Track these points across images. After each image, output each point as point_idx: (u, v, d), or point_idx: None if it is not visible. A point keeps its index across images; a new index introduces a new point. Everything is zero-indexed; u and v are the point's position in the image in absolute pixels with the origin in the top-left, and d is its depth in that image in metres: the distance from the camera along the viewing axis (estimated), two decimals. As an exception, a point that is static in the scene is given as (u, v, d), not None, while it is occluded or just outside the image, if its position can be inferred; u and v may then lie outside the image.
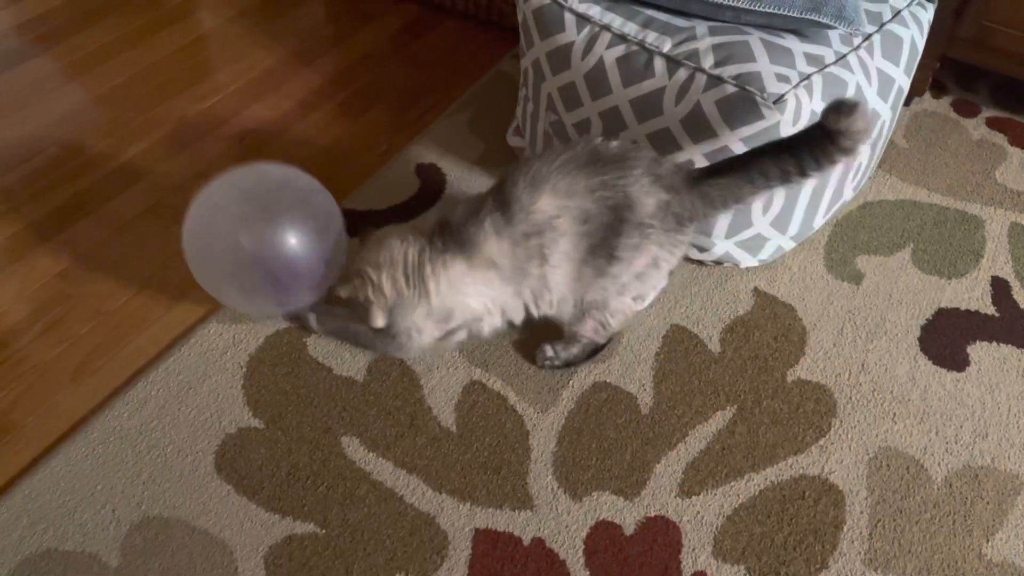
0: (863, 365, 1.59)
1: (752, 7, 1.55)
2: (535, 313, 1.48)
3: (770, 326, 1.65)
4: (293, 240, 1.40)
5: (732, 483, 1.40)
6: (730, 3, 1.56)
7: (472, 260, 1.41)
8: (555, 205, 1.36)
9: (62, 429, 1.45)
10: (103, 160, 1.97)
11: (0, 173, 1.91)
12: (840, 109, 1.28)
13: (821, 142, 1.32)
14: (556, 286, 1.42)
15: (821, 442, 1.46)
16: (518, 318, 1.49)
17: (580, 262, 1.39)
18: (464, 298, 1.44)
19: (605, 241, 1.37)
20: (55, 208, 1.84)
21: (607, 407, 1.52)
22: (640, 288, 1.48)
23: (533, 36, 1.75)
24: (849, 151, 1.32)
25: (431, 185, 1.96)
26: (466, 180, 1.97)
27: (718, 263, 1.76)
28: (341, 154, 2.04)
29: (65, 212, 1.83)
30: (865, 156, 1.73)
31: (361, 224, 1.83)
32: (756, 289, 1.72)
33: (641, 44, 1.60)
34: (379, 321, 1.43)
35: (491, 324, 1.49)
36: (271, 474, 1.39)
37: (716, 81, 1.51)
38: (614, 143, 1.41)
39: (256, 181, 1.44)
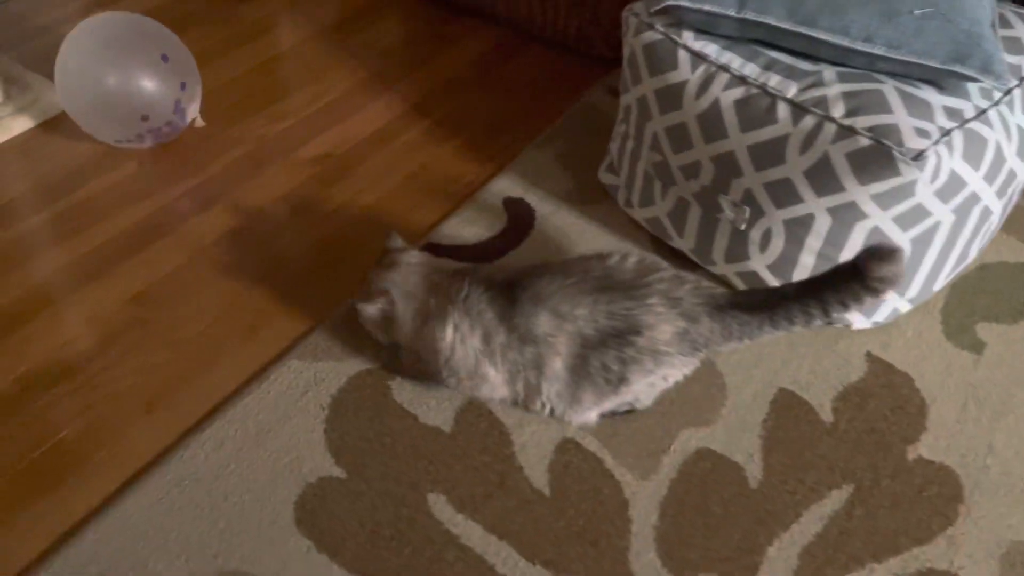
0: (990, 446, 1.46)
1: (889, 54, 1.44)
2: (525, 408, 1.46)
3: (886, 396, 1.53)
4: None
5: (853, 574, 1.28)
6: (865, 48, 1.45)
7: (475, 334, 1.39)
8: (553, 325, 1.33)
9: (135, 467, 1.36)
10: (180, 179, 1.90)
11: (76, 187, 1.85)
12: (880, 256, 1.21)
13: (851, 286, 1.24)
14: (548, 399, 1.40)
15: (948, 532, 1.34)
16: (509, 402, 1.46)
17: (577, 381, 1.37)
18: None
19: (606, 367, 1.34)
20: (131, 226, 1.77)
21: (712, 478, 1.41)
22: (643, 397, 1.46)
23: (641, 72, 1.65)
24: (879, 293, 1.24)
25: (520, 220, 1.87)
26: (555, 216, 1.88)
27: (828, 323, 1.64)
28: (426, 183, 1.95)
29: (141, 231, 1.76)
30: (997, 216, 1.61)
31: (447, 256, 1.74)
32: (869, 353, 1.60)
33: (763, 87, 1.50)
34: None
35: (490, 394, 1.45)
36: (354, 531, 1.30)
37: (848, 132, 1.40)
38: (632, 261, 1.38)
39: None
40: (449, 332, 1.36)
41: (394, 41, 2.43)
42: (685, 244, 1.74)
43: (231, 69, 2.25)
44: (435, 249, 1.79)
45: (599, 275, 1.37)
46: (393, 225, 1.83)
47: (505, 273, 1.42)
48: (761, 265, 1.62)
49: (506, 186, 1.95)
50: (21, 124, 1.98)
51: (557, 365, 1.36)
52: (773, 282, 1.63)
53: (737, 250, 1.64)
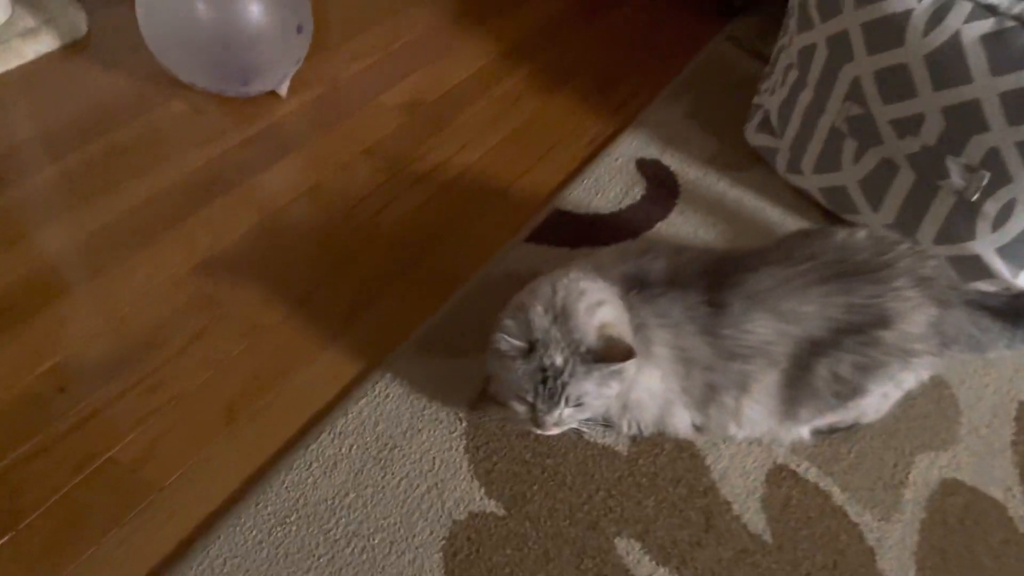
0: None
1: None
2: (704, 434, 1.14)
3: None
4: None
5: None
6: None
7: (657, 343, 1.05)
8: (773, 330, 1.01)
9: (219, 498, 1.01)
10: (241, 123, 1.52)
11: (111, 127, 1.47)
12: None
13: None
14: (747, 422, 1.08)
15: None
16: (672, 430, 1.12)
17: (795, 397, 1.05)
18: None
19: (837, 377, 1.03)
20: (184, 178, 1.39)
21: (970, 518, 1.08)
22: (870, 411, 1.13)
23: (838, 3, 1.32)
24: None
25: (662, 186, 1.52)
26: (702, 184, 1.53)
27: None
28: (538, 139, 1.60)
29: (198, 185, 1.38)
30: None
31: (584, 232, 1.40)
32: (1122, 360, 1.29)
33: (1020, 19, 1.17)
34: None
35: (639, 420, 1.12)
36: (527, 591, 0.95)
37: None
38: (861, 235, 1.07)
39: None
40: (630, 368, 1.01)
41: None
42: (880, 219, 1.41)
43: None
44: (565, 218, 1.44)
45: (831, 258, 1.04)
46: (506, 191, 1.47)
47: (695, 264, 1.08)
48: (988, 248, 1.30)
49: (636, 147, 1.60)
50: (36, 47, 1.58)
51: (770, 381, 1.03)
52: (1001, 270, 1.31)
53: (957, 228, 1.32)
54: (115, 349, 1.14)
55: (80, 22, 1.63)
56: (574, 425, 1.03)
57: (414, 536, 0.99)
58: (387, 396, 1.13)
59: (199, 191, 1.38)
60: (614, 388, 1.00)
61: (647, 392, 1.06)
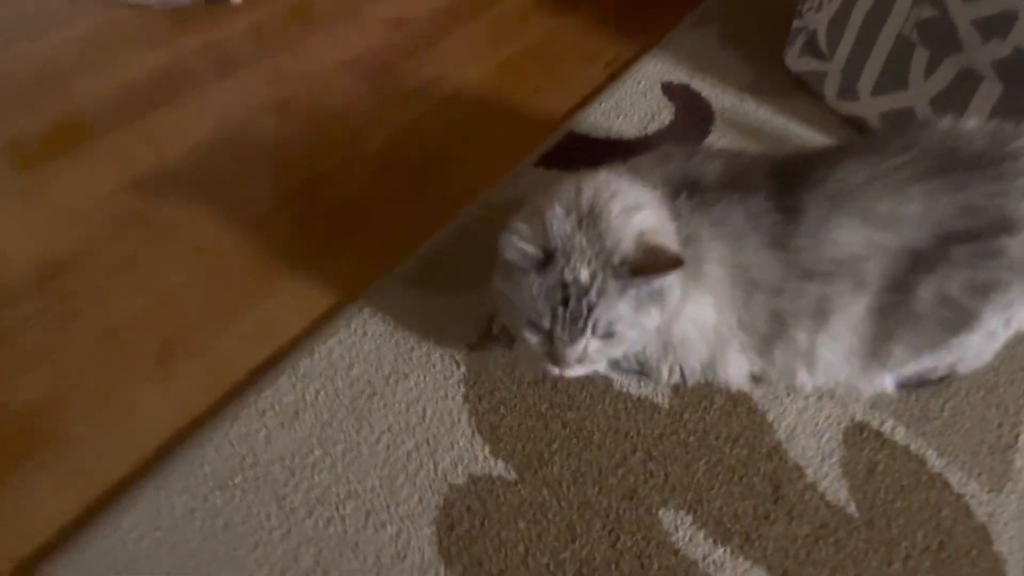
0: None
1: None
2: (764, 385, 0.90)
3: None
4: None
5: None
6: None
7: (710, 260, 0.81)
8: (863, 239, 0.78)
9: (140, 454, 0.76)
10: (194, 30, 1.28)
11: (40, 33, 1.22)
12: None
13: None
14: (822, 366, 0.84)
15: None
16: (723, 379, 0.87)
17: (888, 331, 0.82)
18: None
19: (947, 300, 0.79)
20: (124, 85, 1.15)
21: (1101, 490, 0.85)
22: (972, 354, 0.89)
23: None
24: None
25: (692, 112, 1.29)
26: (739, 112, 1.31)
27: None
28: (548, 59, 1.37)
29: (141, 93, 1.14)
30: None
31: (603, 156, 1.16)
32: None
33: None
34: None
35: (683, 364, 0.87)
36: (548, 570, 0.72)
37: None
38: (971, 123, 0.83)
39: None
40: (675, 294, 0.78)
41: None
42: (956, 144, 1.17)
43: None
44: (581, 142, 1.21)
45: (937, 149, 0.81)
46: (513, 112, 1.24)
47: (759, 164, 0.85)
48: (1092, 172, 1.07)
49: (661, 70, 1.38)
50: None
51: (856, 309, 0.80)
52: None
53: (1054, 149, 1.09)
54: (25, 268, 0.90)
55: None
56: (600, 367, 0.80)
57: (398, 505, 0.76)
58: (365, 334, 0.89)
59: (140, 99, 1.14)
60: (654, 316, 0.76)
61: (695, 326, 0.83)
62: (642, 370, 0.88)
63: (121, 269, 0.93)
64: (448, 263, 0.99)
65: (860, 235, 0.79)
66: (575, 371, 0.78)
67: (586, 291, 0.73)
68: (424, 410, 0.84)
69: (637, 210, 0.77)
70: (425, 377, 0.87)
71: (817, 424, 0.88)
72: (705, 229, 0.81)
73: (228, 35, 1.28)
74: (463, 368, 0.88)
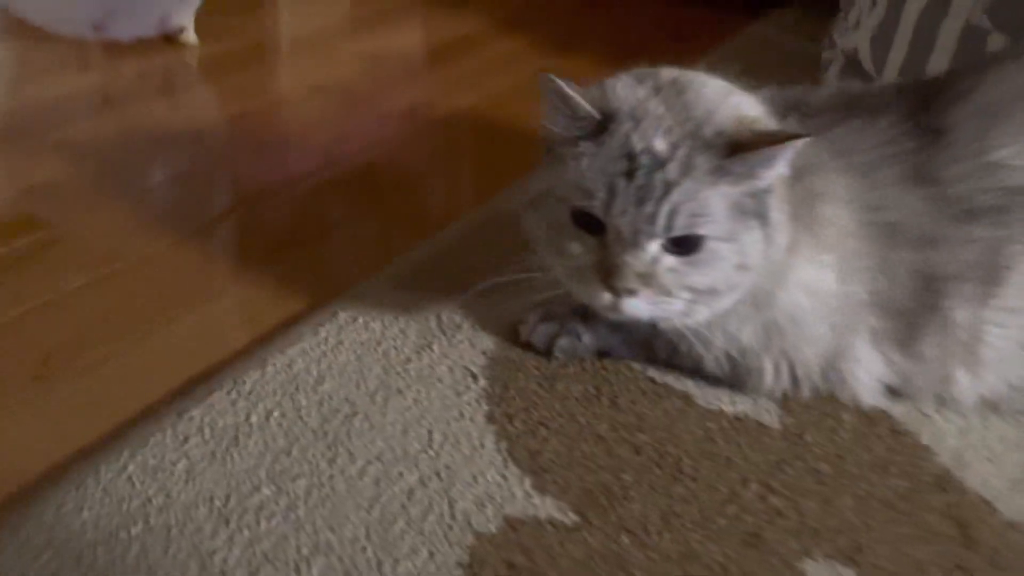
0: None
1: None
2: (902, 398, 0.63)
3: None
4: None
5: None
6: None
7: (831, 201, 0.58)
8: None
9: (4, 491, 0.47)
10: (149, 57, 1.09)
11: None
12: None
13: None
14: (993, 357, 0.60)
15: None
16: (848, 390, 0.62)
17: None
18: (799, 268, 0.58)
19: None
20: (56, 96, 0.94)
21: None
22: None
23: None
24: None
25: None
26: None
27: None
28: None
29: (70, 105, 0.92)
30: None
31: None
32: None
33: None
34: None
35: (794, 358, 0.61)
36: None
37: None
38: None
39: None
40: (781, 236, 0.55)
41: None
42: None
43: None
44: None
45: None
46: (514, 134, 1.04)
47: (885, 88, 0.66)
48: None
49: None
50: None
51: None
52: None
53: None
54: None
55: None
56: (677, 310, 0.54)
57: (396, 562, 0.47)
58: (340, 343, 0.63)
59: (57, 116, 0.92)
60: (755, 237, 0.52)
61: (809, 296, 0.58)
62: (735, 374, 0.62)
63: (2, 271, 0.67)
64: (453, 265, 0.74)
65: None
66: (638, 304, 0.52)
67: (662, 163, 0.49)
68: (430, 433, 0.56)
69: (733, 93, 0.54)
70: (429, 393, 0.60)
71: (990, 447, 0.62)
72: (822, 158, 0.58)
73: (176, 63, 1.09)
74: (483, 381, 0.61)
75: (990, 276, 0.58)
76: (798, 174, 0.56)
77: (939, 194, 0.58)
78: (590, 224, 0.52)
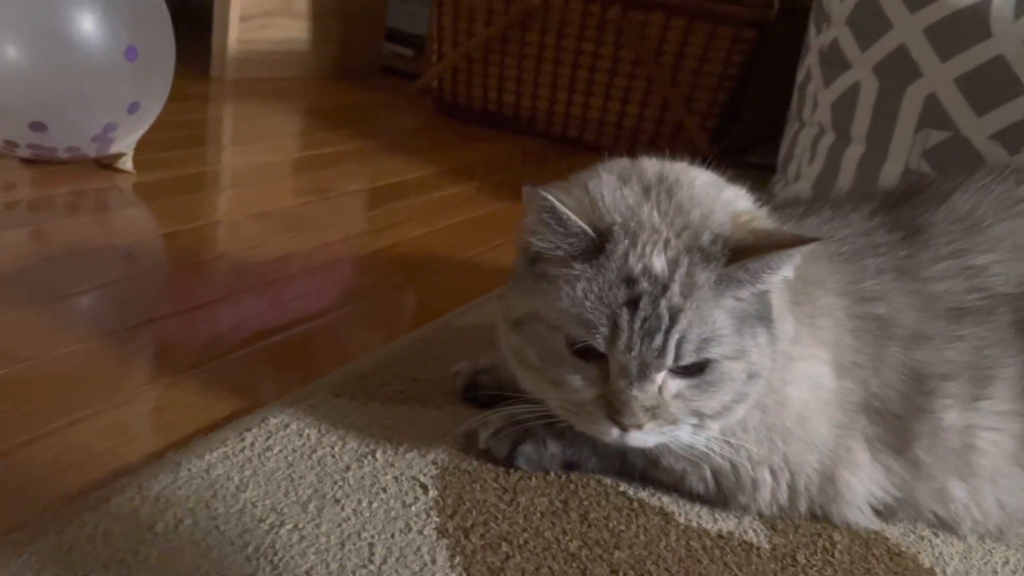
0: None
1: None
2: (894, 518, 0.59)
3: None
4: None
5: None
6: None
7: (824, 293, 0.56)
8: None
9: None
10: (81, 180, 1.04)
11: None
12: None
13: None
14: (985, 468, 0.56)
15: None
16: (838, 508, 0.57)
17: None
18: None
19: None
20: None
21: None
22: None
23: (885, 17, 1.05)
24: None
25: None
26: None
27: None
28: (501, 229, 1.17)
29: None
30: None
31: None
32: None
33: None
34: None
35: (794, 464, 0.56)
36: None
37: None
38: None
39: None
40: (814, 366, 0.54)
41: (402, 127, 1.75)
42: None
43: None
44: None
45: None
46: (468, 261, 1.01)
47: (855, 195, 0.65)
48: None
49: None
50: None
51: None
52: None
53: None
54: None
55: None
56: (682, 437, 0.48)
57: None
58: (269, 450, 0.55)
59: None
60: (761, 345, 0.48)
61: (813, 391, 0.54)
62: (721, 490, 0.56)
63: None
64: (398, 375, 0.67)
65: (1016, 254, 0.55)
66: (645, 436, 0.46)
67: (664, 287, 0.45)
68: (371, 548, 0.47)
69: (724, 188, 0.51)
70: (371, 504, 0.51)
71: (995, 570, 0.55)
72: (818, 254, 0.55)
73: (110, 186, 1.04)
74: (433, 492, 0.53)
75: (978, 377, 0.54)
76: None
77: (923, 289, 0.55)
78: (588, 352, 0.47)
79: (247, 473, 0.52)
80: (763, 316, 0.48)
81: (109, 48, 0.96)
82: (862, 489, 0.56)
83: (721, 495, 0.56)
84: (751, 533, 0.55)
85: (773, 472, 0.54)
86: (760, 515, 0.56)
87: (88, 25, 0.94)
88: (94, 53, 0.96)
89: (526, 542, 0.50)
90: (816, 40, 1.21)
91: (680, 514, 0.56)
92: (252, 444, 0.55)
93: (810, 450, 0.54)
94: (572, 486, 0.57)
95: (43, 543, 0.44)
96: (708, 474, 0.55)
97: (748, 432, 0.52)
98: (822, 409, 0.53)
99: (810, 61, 1.23)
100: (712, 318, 0.45)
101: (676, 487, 0.57)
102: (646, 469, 0.57)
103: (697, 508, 0.56)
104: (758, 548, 0.54)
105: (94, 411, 0.57)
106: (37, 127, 0.96)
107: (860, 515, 0.56)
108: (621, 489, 0.57)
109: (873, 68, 1.08)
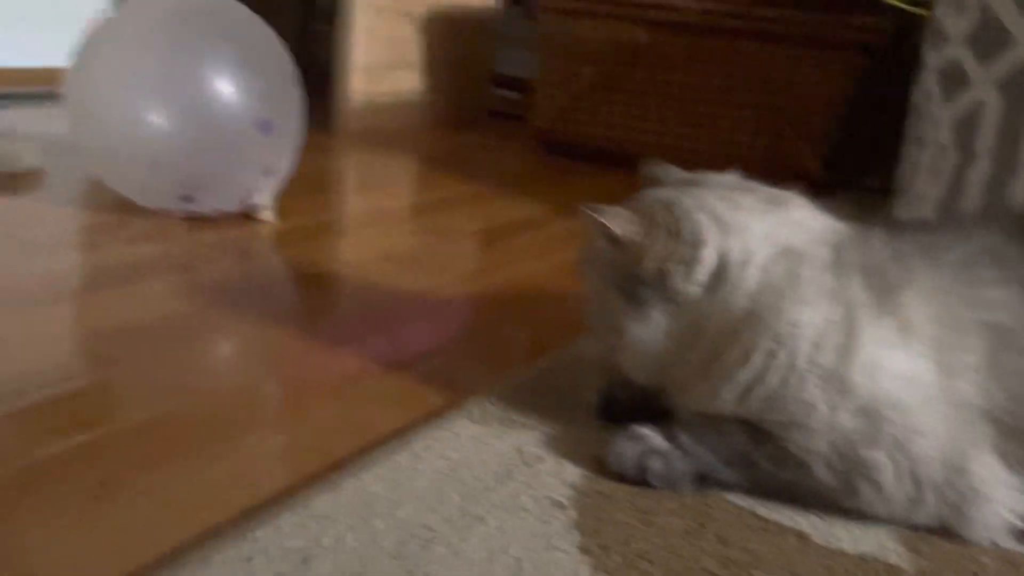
0: None
1: None
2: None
3: None
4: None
5: None
6: None
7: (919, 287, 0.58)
8: None
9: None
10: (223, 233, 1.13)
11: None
12: None
13: None
14: None
15: None
16: (969, 512, 0.56)
17: None
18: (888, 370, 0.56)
19: None
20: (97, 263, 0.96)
21: None
22: None
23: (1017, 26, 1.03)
24: None
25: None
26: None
27: None
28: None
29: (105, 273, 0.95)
30: None
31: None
32: None
33: None
34: None
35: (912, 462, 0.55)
36: None
37: None
38: None
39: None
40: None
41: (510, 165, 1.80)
42: None
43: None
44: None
45: None
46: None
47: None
48: None
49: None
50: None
51: None
52: None
53: None
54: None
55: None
56: None
57: None
58: (415, 470, 0.59)
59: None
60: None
61: (908, 385, 0.54)
62: (848, 480, 0.56)
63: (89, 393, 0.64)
64: (532, 401, 0.70)
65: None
66: None
67: None
68: (519, 562, 0.50)
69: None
70: (513, 522, 0.54)
71: None
72: (909, 257, 0.56)
73: (252, 235, 1.12)
74: (572, 512, 0.56)
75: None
76: (872, 272, 0.55)
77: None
78: None
79: (399, 492, 0.56)
80: None
81: (246, 124, 1.06)
82: (1002, 496, 0.54)
83: (850, 488, 0.55)
84: (893, 556, 0.55)
85: (889, 455, 0.54)
86: (893, 516, 0.56)
87: (226, 103, 1.04)
88: (234, 132, 1.06)
89: (666, 561, 0.52)
90: (933, 59, 1.19)
91: (817, 535, 0.56)
92: (401, 465, 0.59)
93: (922, 437, 0.54)
94: (707, 509, 0.58)
95: (223, 555, 0.48)
96: (833, 457, 0.55)
97: (836, 410, 0.54)
98: (921, 400, 0.54)
99: (928, 80, 1.21)
100: None
101: (807, 487, 0.57)
102: (775, 466, 0.57)
103: (833, 528, 0.56)
104: (898, 570, 0.53)
105: (259, 438, 0.63)
106: (186, 199, 1.08)
107: (999, 519, 0.55)
108: (756, 511, 0.58)
109: (996, 85, 1.05)
